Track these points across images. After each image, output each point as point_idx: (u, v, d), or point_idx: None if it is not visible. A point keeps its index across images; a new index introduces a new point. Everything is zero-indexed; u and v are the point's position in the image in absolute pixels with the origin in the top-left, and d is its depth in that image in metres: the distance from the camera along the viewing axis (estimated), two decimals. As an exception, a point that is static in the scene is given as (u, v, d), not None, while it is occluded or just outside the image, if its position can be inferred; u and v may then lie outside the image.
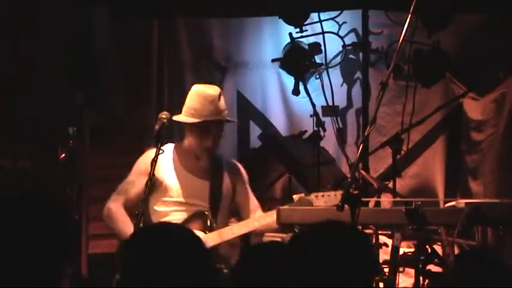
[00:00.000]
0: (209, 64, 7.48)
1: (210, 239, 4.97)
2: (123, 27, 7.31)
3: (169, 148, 5.23)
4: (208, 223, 5.09)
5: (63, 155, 6.42)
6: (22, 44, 6.98)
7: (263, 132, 7.39)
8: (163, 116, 5.07)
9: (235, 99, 7.43)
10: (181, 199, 5.10)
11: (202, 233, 4.97)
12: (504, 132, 7.03)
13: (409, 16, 4.95)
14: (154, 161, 4.87)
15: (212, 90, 5.18)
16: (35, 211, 2.61)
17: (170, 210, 5.13)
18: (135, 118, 7.21)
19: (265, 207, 5.42)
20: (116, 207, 5.20)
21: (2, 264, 2.52)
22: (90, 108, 7.02)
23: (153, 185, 5.16)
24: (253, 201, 5.33)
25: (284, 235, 5.61)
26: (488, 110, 7.11)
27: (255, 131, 7.41)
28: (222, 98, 5.18)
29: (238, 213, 5.34)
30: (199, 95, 5.16)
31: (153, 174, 4.86)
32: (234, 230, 5.16)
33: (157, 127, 5.02)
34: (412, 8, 4.96)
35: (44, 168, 6.78)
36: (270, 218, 5.12)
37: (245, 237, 5.49)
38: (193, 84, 5.31)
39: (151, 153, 5.24)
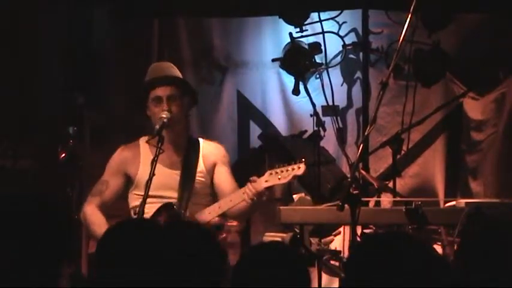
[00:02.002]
0: (209, 64, 7.46)
1: None
2: (123, 27, 7.30)
3: (141, 142, 5.23)
4: (176, 214, 5.02)
5: (63, 155, 6.43)
6: (22, 44, 6.97)
7: (263, 132, 7.37)
8: (164, 116, 5.08)
9: (235, 99, 7.42)
10: (151, 192, 4.96)
11: None
12: (504, 132, 7.02)
13: (409, 16, 4.96)
14: (154, 161, 4.88)
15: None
16: (34, 211, 2.61)
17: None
18: (135, 118, 7.20)
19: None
20: (91, 209, 5.22)
21: (2, 264, 2.52)
22: (90, 108, 7.01)
23: (127, 182, 5.19)
24: (231, 184, 5.24)
25: (284, 235, 5.61)
26: (488, 110, 7.10)
27: (255, 131, 7.39)
28: (173, 69, 5.23)
29: (216, 195, 5.26)
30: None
31: (153, 174, 4.86)
32: (210, 210, 5.10)
33: (157, 127, 5.03)
34: (412, 8, 4.98)
35: (44, 168, 6.78)
36: (239, 196, 5.03)
37: (245, 237, 5.48)
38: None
39: (121, 151, 5.29)
